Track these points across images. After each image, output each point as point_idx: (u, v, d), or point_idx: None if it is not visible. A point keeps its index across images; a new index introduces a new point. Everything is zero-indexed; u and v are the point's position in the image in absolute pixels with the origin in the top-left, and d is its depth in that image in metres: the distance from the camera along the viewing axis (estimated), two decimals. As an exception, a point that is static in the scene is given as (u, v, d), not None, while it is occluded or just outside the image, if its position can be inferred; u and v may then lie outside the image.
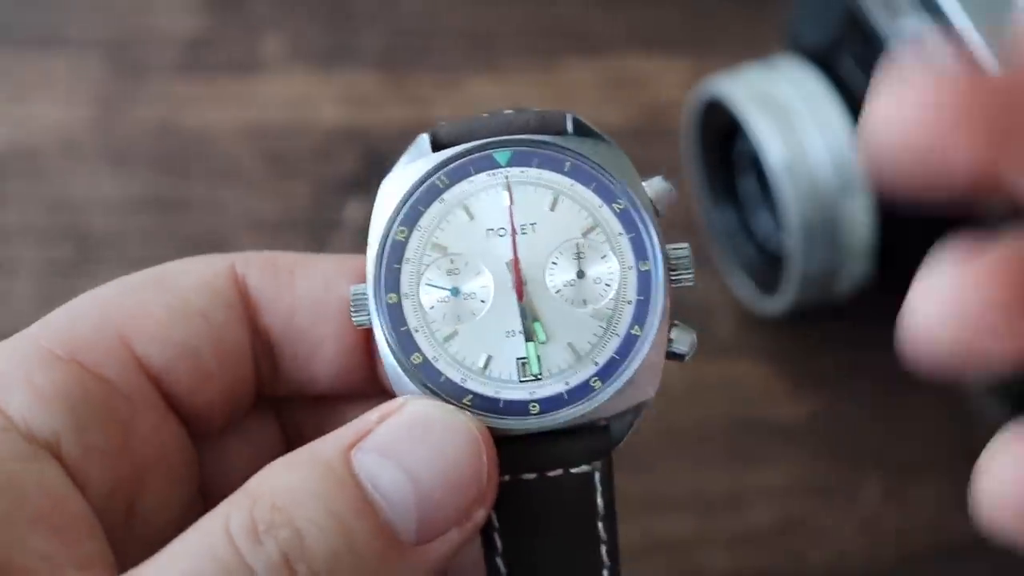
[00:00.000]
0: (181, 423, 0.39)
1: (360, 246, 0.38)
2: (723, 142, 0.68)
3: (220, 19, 0.80)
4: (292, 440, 0.42)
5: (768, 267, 0.67)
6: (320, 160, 0.75)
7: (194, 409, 0.38)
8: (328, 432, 0.41)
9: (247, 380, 0.40)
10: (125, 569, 0.33)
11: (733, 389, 0.68)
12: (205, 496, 0.41)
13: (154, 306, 0.38)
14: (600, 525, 0.38)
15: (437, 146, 0.39)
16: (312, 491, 0.33)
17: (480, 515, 0.36)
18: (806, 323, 0.69)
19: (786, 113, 0.63)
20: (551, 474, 0.37)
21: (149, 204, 0.74)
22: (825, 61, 0.64)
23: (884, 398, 0.68)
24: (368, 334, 0.38)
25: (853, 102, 0.63)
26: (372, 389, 0.40)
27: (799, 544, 0.65)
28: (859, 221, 0.63)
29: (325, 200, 0.74)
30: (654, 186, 0.38)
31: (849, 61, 0.63)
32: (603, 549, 0.38)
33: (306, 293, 0.39)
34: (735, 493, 0.66)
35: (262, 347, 0.40)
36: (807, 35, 0.67)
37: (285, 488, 0.33)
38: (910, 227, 0.63)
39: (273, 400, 0.42)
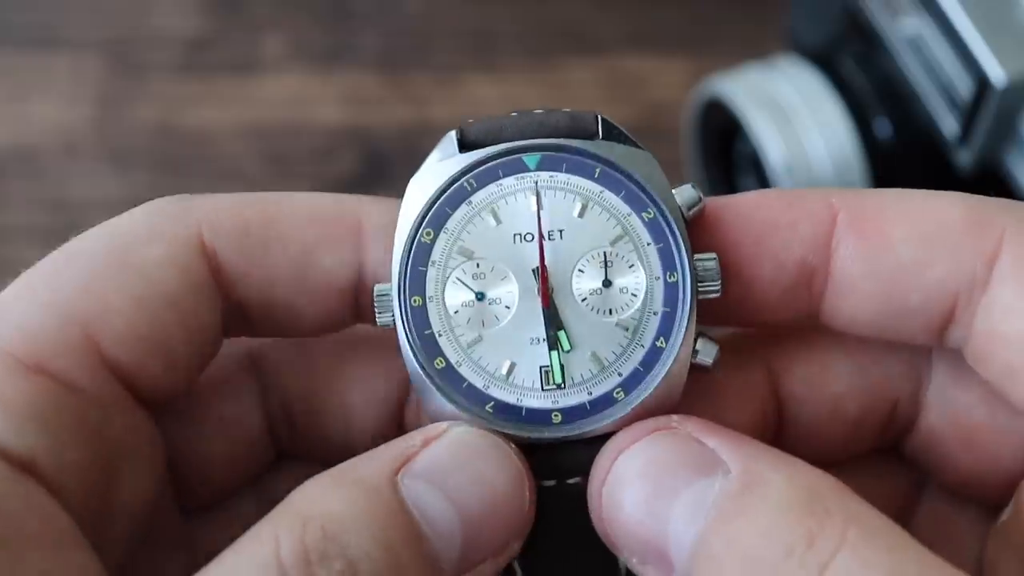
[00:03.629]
0: (148, 410, 0.37)
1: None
2: (723, 142, 0.68)
3: (220, 19, 0.80)
4: (268, 383, 0.41)
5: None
6: (320, 160, 0.75)
7: (161, 396, 0.37)
8: (310, 375, 0.40)
9: (214, 351, 0.38)
10: (110, 567, 0.33)
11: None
12: (172, 467, 0.39)
13: (119, 298, 0.35)
14: None
15: (464, 144, 0.38)
16: (362, 518, 0.33)
17: (515, 547, 0.36)
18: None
19: (786, 113, 0.63)
20: (570, 481, 0.37)
21: (149, 204, 0.74)
22: (825, 61, 0.64)
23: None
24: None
25: (853, 102, 0.63)
26: (351, 322, 0.39)
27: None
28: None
29: (325, 200, 0.74)
30: (684, 194, 0.38)
31: (849, 61, 0.63)
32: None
33: (284, 266, 0.37)
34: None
35: (235, 313, 0.38)
36: (807, 35, 0.67)
37: (334, 513, 0.33)
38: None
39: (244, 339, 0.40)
